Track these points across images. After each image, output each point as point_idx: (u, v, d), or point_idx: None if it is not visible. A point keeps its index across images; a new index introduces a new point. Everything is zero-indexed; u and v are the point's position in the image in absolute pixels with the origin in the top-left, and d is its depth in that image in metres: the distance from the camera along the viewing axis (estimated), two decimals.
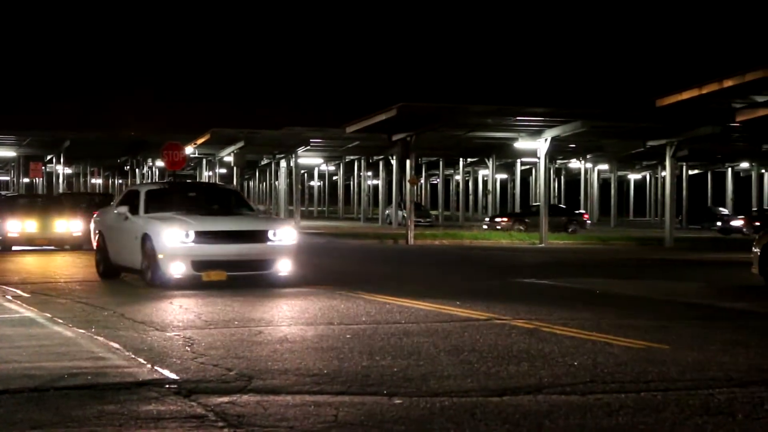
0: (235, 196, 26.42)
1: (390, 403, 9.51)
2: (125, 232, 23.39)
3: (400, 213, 71.71)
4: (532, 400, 9.87)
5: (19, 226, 36.38)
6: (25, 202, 41.96)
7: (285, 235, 22.39)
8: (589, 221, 68.46)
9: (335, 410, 9.17)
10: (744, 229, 63.16)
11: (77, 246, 36.15)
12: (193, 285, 21.28)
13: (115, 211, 24.35)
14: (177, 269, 21.38)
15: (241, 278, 21.89)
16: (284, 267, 22.20)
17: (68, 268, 28.76)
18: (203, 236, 21.67)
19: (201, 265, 21.50)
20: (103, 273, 24.59)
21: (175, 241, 21.46)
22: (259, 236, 22.21)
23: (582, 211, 74.65)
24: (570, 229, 60.33)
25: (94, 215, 27.22)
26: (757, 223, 61.19)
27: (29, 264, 30.69)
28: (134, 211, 23.52)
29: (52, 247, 36.73)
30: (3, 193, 77.99)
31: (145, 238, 22.06)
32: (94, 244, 25.46)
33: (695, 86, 34.54)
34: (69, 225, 36.78)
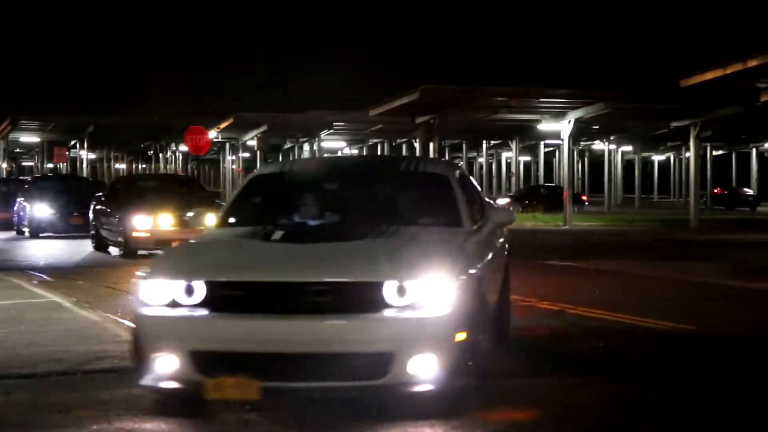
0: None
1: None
2: None
3: None
4: (557, 382, 9.88)
5: (149, 222, 26.13)
6: (139, 187, 31.25)
7: (430, 289, 8.52)
8: (587, 202, 68.86)
9: None
10: None
11: None
12: None
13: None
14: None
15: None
16: (423, 368, 8.42)
17: None
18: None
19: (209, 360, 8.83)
20: None
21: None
22: (363, 295, 8.59)
23: (581, 192, 75.80)
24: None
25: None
26: None
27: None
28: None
29: None
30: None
31: None
32: None
33: (719, 66, 34.33)
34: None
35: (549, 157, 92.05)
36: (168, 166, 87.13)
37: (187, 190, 30.93)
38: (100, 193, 31.05)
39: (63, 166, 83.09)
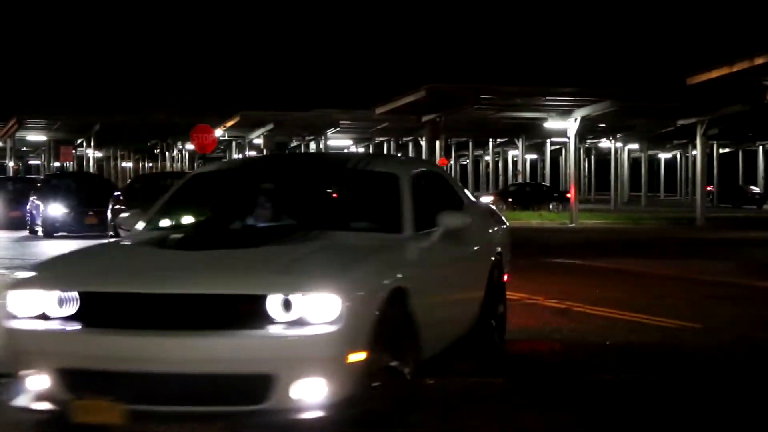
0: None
1: (424, 384, 9.50)
2: None
3: None
4: (565, 379, 9.88)
5: (171, 223, 22.34)
6: (160, 186, 28.16)
7: (318, 303, 7.47)
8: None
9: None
10: None
11: None
12: None
13: None
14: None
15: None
16: (309, 392, 7.43)
17: None
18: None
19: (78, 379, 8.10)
20: None
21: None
22: (243, 309, 7.59)
23: (565, 190, 76.11)
24: (551, 207, 61.75)
25: None
26: None
27: None
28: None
29: None
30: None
31: None
32: None
33: (726, 64, 34.33)
34: None
35: (555, 155, 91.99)
36: (174, 165, 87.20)
37: None
38: (119, 192, 30.51)
39: (70, 165, 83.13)
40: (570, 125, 48.16)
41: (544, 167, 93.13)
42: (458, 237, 9.62)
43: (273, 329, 7.18)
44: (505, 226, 12.43)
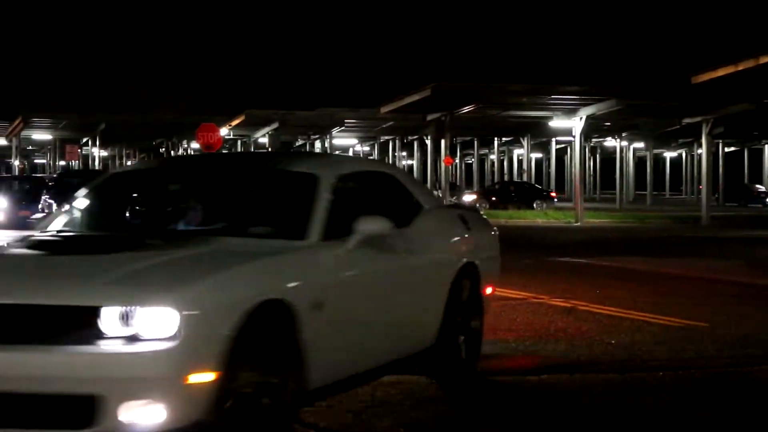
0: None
1: (428, 383, 9.51)
2: None
3: (435, 193, 71.97)
4: (570, 378, 9.87)
5: None
6: None
7: (154, 318, 6.76)
8: (556, 199, 69.03)
9: (373, 389, 9.17)
10: None
11: None
12: None
13: None
14: None
15: None
16: (141, 415, 6.64)
17: None
18: None
19: None
20: None
21: None
22: (69, 322, 6.87)
23: (549, 189, 76.46)
24: (535, 205, 61.57)
25: None
26: None
27: None
28: None
29: None
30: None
31: None
32: None
33: (731, 63, 34.31)
34: None
35: (561, 153, 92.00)
36: None
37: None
38: None
39: (76, 164, 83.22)
40: (575, 124, 48.15)
41: (549, 166, 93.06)
42: (392, 245, 8.66)
43: (103, 345, 6.37)
44: (490, 233, 11.01)
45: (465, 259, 9.96)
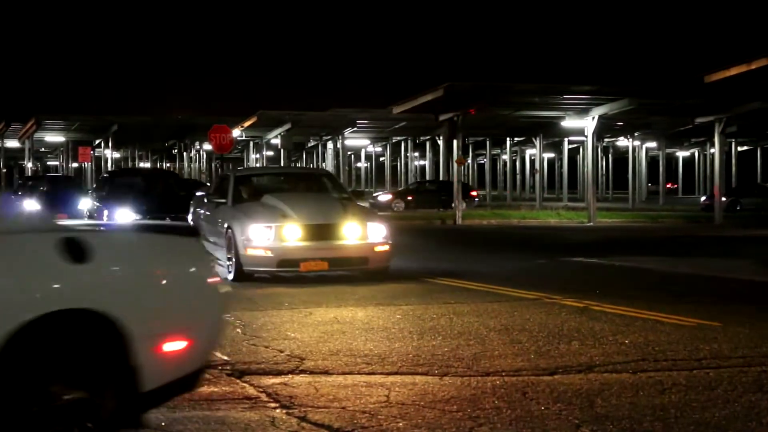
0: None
1: (441, 383, 9.52)
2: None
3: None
4: (583, 378, 9.86)
5: (270, 234, 18.96)
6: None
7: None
8: (477, 199, 68.16)
9: (387, 390, 9.18)
10: None
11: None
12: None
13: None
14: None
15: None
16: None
17: None
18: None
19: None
20: None
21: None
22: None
23: (471, 188, 74.58)
24: (453, 205, 60.33)
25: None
26: None
27: None
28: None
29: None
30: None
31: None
32: None
33: (744, 61, 34.25)
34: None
35: (573, 153, 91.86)
36: (192, 165, 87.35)
37: (317, 188, 22.36)
38: (202, 193, 24.30)
39: (87, 166, 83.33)
40: (588, 124, 48.08)
41: (561, 166, 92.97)
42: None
43: None
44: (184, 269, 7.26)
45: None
